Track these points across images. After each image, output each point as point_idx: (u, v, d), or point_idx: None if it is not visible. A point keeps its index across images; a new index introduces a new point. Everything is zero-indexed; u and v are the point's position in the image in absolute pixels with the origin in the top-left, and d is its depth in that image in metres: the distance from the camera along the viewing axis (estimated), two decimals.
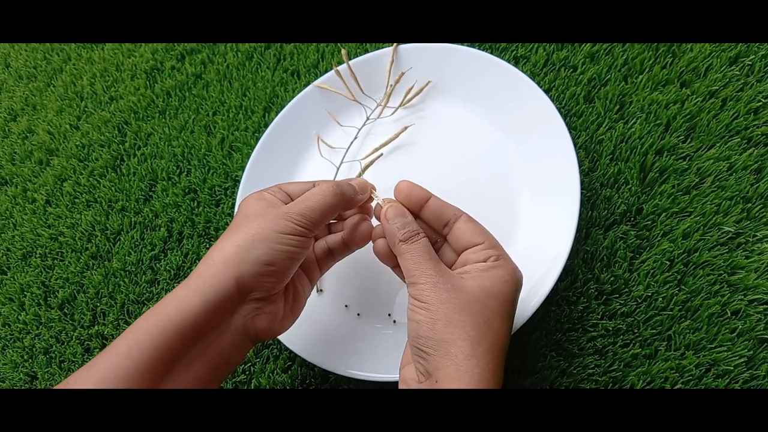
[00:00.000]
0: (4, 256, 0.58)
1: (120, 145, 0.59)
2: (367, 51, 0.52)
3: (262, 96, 0.56)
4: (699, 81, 0.44)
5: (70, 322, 0.52)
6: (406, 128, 0.47)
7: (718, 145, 0.42)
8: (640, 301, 0.39)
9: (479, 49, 0.46)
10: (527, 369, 0.40)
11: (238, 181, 0.51)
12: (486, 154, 0.45)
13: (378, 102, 0.50)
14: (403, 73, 0.49)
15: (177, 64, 0.62)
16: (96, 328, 0.51)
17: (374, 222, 0.38)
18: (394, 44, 0.49)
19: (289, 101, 0.51)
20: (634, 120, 0.44)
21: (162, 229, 0.53)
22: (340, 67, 0.50)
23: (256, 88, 0.57)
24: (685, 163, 0.42)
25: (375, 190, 0.38)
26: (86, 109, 0.63)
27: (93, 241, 0.55)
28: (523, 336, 0.40)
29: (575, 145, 0.41)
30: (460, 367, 0.28)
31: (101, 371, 0.29)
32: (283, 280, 0.34)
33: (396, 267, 0.36)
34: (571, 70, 0.48)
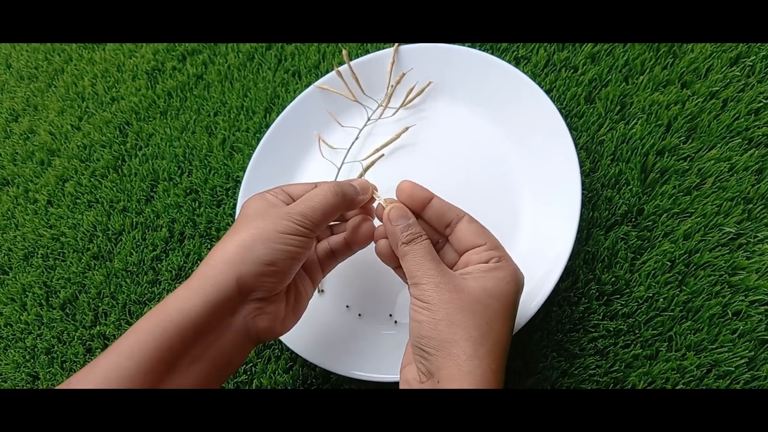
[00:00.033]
0: (6, 257, 0.58)
1: (121, 146, 0.59)
2: (368, 51, 0.52)
3: (263, 96, 0.56)
4: (700, 82, 0.44)
5: (72, 322, 0.52)
6: (407, 129, 0.47)
7: (719, 145, 0.42)
8: (641, 301, 0.39)
9: (480, 49, 0.46)
10: (529, 369, 0.40)
11: (240, 182, 0.51)
12: (487, 155, 0.45)
13: (379, 102, 0.50)
14: (404, 74, 0.49)
15: (178, 65, 0.62)
16: (98, 328, 0.51)
17: (376, 222, 0.38)
18: (395, 45, 0.49)
19: (290, 102, 0.51)
20: (635, 121, 0.44)
21: (163, 229, 0.53)
22: (341, 68, 0.50)
23: (257, 89, 0.57)
24: (686, 163, 0.42)
25: (377, 190, 0.38)
26: (88, 109, 0.63)
27: (94, 241, 0.55)
28: (524, 336, 0.40)
29: (576, 145, 0.41)
30: (462, 368, 0.28)
31: (103, 371, 0.29)
32: (284, 281, 0.34)
33: (398, 267, 0.36)
34: (572, 70, 0.48)
